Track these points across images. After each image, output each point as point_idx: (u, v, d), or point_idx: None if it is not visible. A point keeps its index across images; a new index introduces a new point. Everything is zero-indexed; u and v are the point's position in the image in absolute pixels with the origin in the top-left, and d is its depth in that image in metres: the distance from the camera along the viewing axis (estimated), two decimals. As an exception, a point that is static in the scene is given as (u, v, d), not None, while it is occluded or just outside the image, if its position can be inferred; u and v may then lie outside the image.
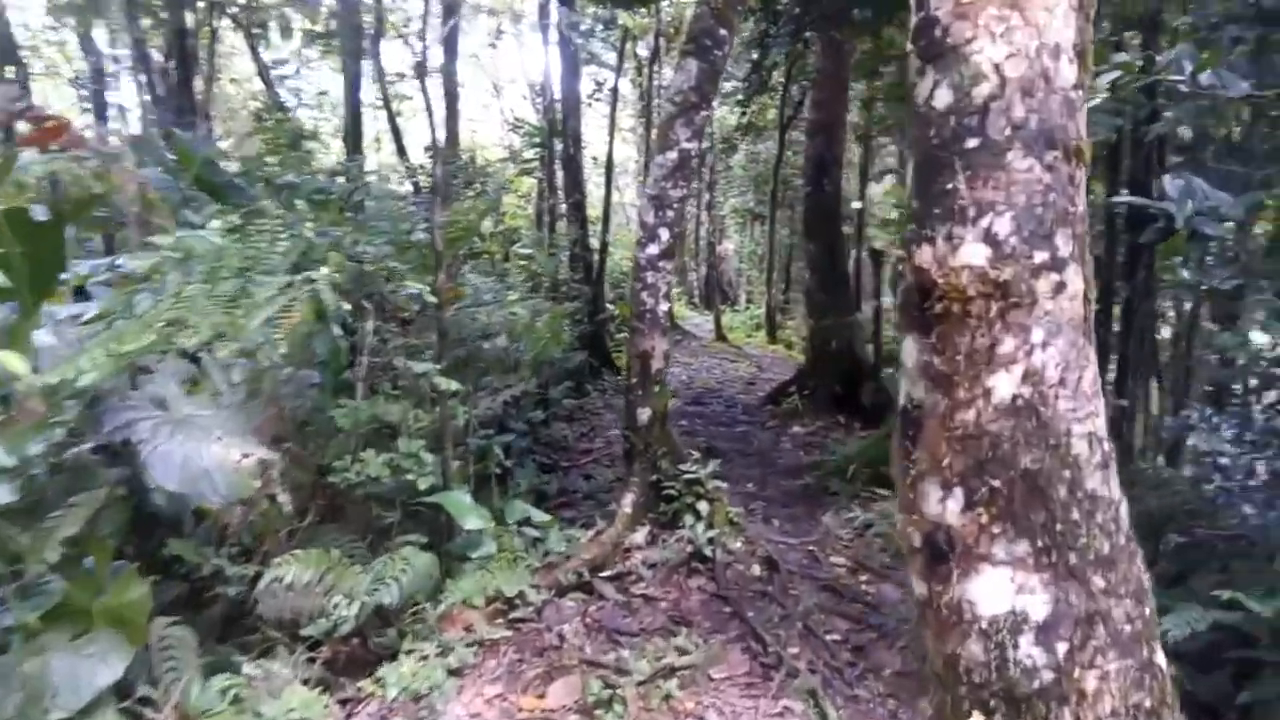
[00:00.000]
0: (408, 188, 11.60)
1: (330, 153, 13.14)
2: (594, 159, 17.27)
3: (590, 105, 16.08)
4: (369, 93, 14.10)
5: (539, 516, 5.27)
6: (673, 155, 5.95)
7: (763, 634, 4.37)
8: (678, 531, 5.44)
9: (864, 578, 5.24)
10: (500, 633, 4.36)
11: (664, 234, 5.90)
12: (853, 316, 10.58)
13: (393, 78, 14.02)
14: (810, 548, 5.63)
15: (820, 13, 8.12)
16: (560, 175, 13.48)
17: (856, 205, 15.80)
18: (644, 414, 5.80)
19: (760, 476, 7.26)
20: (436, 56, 13.65)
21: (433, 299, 5.14)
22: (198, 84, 13.15)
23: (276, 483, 3.74)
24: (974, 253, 1.50)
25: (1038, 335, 1.50)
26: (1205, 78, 3.45)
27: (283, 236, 4.23)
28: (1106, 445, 1.55)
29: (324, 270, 4.27)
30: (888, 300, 9.98)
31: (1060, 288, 1.50)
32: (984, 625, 1.50)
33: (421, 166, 11.68)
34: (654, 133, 16.51)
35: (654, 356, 5.82)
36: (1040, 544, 1.48)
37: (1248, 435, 3.41)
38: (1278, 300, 3.77)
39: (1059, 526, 1.48)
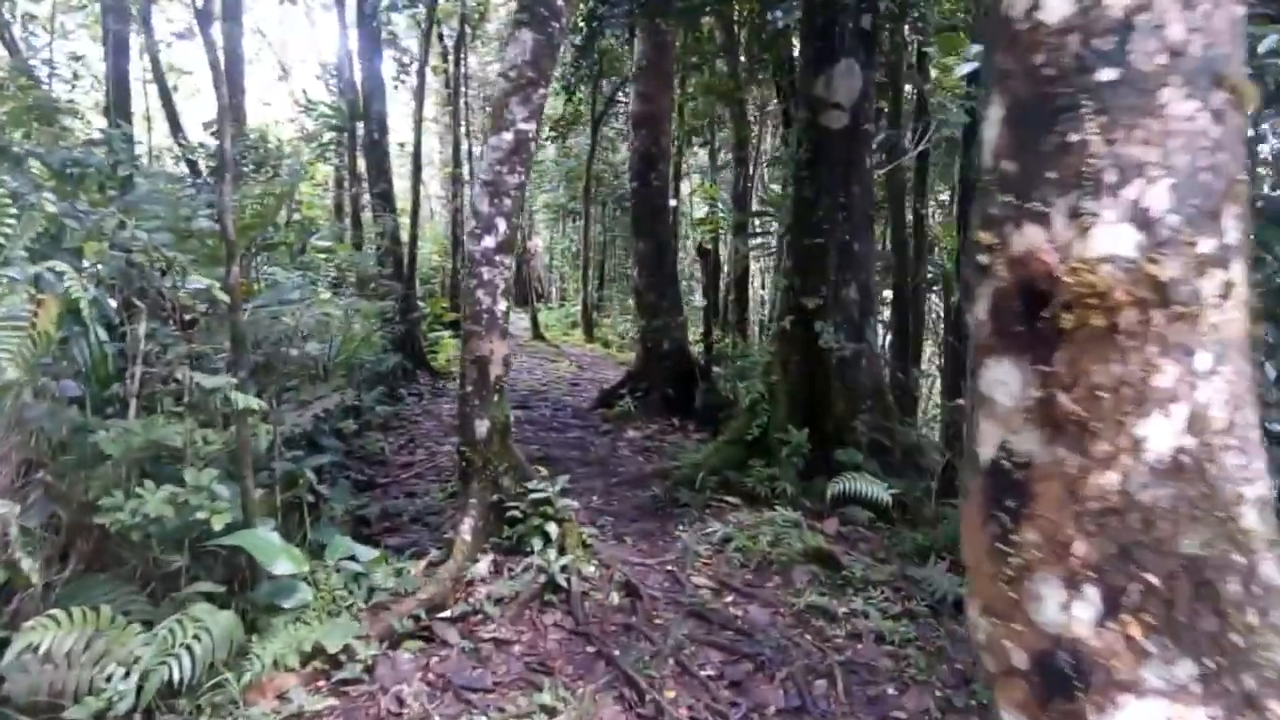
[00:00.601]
0: (184, 170, 10.15)
1: (92, 131, 11.35)
2: (400, 145, 16.14)
3: (396, 88, 14.97)
4: (139, 66, 12.36)
5: (364, 552, 4.48)
6: (508, 137, 5.31)
7: (635, 677, 3.84)
8: (525, 559, 4.82)
9: (729, 599, 4.83)
10: (323, 701, 3.61)
11: (501, 224, 5.24)
12: (683, 316, 10.29)
13: (168, 39, 12.33)
14: (669, 568, 5.15)
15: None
16: (363, 163, 12.33)
17: (671, 203, 15.68)
18: (482, 426, 5.12)
19: (604, 488, 6.73)
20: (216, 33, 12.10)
21: (224, 296, 4.24)
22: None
23: (16, 543, 2.81)
24: (1119, 237, 1.01)
25: (1203, 361, 1.03)
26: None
27: (12, 213, 3.22)
28: (1272, 512, 1.12)
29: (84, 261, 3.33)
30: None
31: (1228, 290, 1.05)
32: (1131, 781, 1.03)
33: (201, 145, 10.23)
34: (462, 122, 15.68)
35: (493, 361, 5.15)
36: (1209, 663, 1.03)
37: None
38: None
39: (1233, 636, 1.03)
